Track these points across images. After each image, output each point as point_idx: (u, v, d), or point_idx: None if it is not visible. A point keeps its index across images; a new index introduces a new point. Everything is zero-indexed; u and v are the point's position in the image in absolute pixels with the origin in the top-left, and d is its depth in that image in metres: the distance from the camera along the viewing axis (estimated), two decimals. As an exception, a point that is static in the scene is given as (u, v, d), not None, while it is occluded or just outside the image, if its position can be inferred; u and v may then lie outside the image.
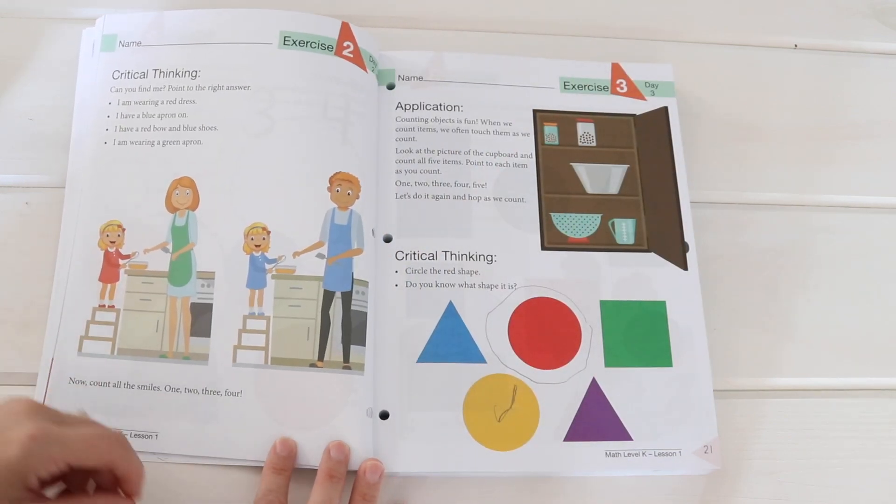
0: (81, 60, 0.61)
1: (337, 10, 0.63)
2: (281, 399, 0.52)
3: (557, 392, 0.55)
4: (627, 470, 0.54)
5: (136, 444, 0.50)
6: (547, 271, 0.58)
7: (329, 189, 0.56)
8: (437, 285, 0.57)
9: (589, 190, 0.60)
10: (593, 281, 0.58)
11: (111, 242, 0.55)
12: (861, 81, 0.68)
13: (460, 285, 0.57)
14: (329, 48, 0.59)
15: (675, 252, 0.59)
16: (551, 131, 0.62)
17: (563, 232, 0.59)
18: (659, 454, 0.54)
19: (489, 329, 0.56)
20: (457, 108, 0.61)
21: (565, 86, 0.63)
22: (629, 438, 0.54)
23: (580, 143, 0.62)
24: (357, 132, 0.58)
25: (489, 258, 0.58)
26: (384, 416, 0.53)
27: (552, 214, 0.59)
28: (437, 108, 0.61)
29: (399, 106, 0.61)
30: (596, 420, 0.54)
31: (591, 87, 0.63)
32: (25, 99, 0.61)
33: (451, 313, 0.56)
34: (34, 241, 0.57)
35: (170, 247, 0.55)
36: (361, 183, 0.57)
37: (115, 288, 0.54)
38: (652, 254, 0.59)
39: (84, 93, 0.60)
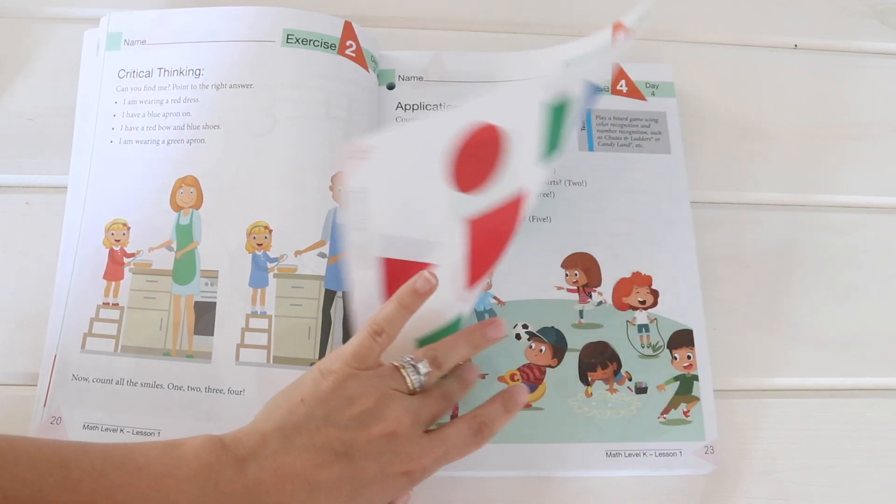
0: (84, 60, 0.61)
1: (337, 10, 0.62)
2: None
3: None
4: (628, 470, 0.54)
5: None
6: None
7: (331, 188, 0.56)
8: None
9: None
10: None
11: (116, 241, 0.55)
12: (861, 81, 0.68)
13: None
14: (332, 47, 0.59)
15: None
16: (552, 131, 0.62)
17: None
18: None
19: None
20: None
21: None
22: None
23: (581, 143, 0.62)
24: (359, 132, 0.58)
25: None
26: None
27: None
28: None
29: (399, 106, 0.61)
30: None
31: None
32: (26, 99, 0.61)
33: None
34: (35, 241, 0.57)
35: (174, 245, 0.55)
36: (364, 182, 0.57)
37: (119, 286, 0.54)
38: None
39: (88, 92, 0.60)
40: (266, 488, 0.40)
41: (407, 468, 0.44)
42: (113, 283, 0.54)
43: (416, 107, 0.61)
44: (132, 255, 0.55)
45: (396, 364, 0.47)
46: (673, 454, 0.54)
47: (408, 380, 0.46)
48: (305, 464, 0.41)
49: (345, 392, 0.44)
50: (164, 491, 0.38)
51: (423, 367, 0.47)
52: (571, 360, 0.56)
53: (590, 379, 0.55)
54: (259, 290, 0.54)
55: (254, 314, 0.54)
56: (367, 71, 0.60)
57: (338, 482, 0.42)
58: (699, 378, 0.56)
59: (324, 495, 0.41)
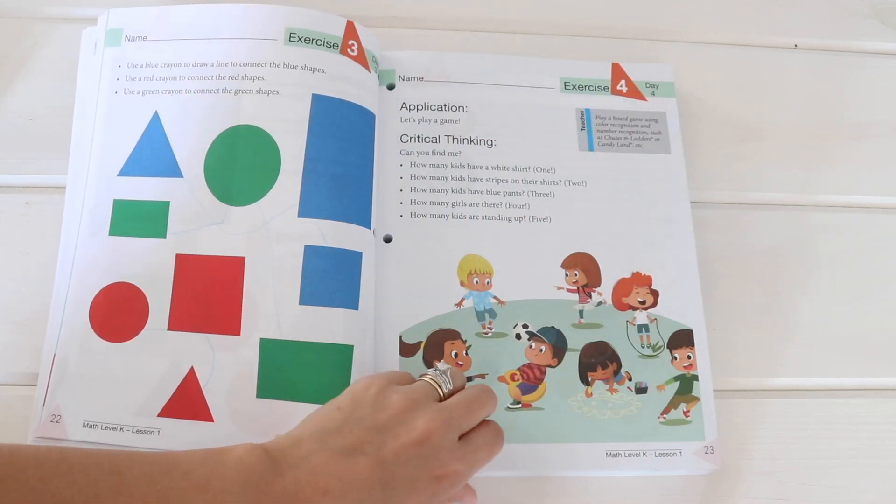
0: (83, 59, 0.60)
1: (337, 10, 0.62)
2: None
3: None
4: (628, 470, 0.54)
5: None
6: None
7: None
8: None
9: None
10: None
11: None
12: (861, 81, 0.68)
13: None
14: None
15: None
16: (552, 131, 0.62)
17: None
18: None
19: None
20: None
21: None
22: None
23: (580, 143, 0.62)
24: None
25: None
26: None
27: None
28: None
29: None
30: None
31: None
32: (25, 99, 0.61)
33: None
34: (35, 241, 0.57)
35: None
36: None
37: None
38: None
39: (86, 91, 0.59)
40: (302, 488, 0.41)
41: (438, 473, 0.45)
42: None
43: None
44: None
45: (426, 379, 0.49)
46: (673, 454, 0.54)
47: (436, 384, 0.49)
48: (337, 464, 0.42)
49: (380, 400, 0.46)
50: (211, 493, 0.40)
51: (445, 371, 0.50)
52: (571, 360, 0.56)
53: (590, 379, 0.55)
54: None
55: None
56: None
57: (368, 483, 0.43)
58: (699, 378, 0.56)
59: (355, 495, 0.42)
